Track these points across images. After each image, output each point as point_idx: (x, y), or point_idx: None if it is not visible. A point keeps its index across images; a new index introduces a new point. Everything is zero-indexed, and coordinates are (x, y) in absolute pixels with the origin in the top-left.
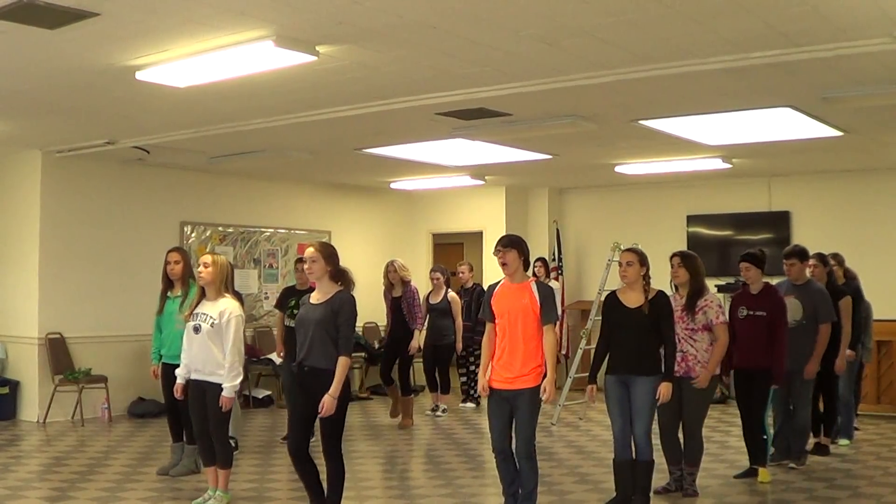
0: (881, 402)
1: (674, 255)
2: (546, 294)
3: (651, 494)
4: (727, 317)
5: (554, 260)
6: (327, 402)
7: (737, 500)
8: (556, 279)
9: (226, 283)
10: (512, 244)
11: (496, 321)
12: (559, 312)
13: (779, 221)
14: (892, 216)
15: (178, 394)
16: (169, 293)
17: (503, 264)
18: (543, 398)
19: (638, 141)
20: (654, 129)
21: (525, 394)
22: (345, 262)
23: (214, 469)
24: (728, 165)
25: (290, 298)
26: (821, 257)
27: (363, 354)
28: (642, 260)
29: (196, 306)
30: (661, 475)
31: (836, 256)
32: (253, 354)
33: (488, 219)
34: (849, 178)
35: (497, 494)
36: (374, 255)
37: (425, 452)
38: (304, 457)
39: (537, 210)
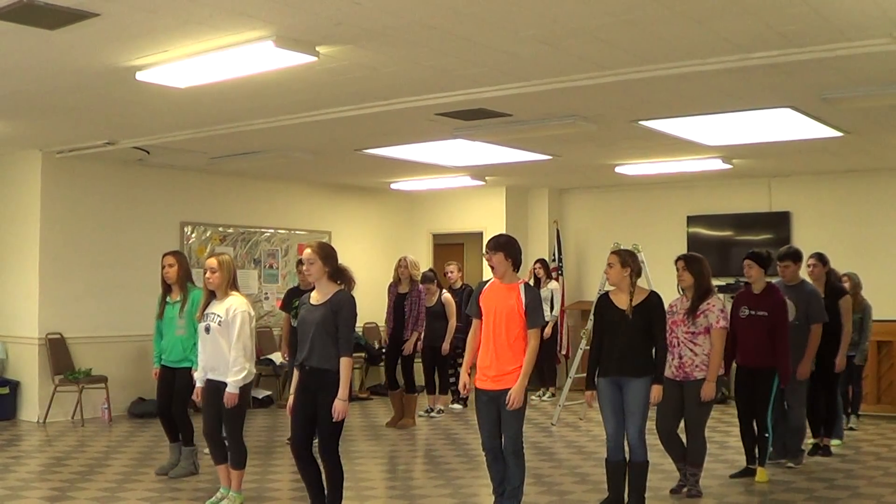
0: (881, 402)
1: (678, 258)
2: (533, 298)
3: (647, 495)
4: (728, 321)
5: (554, 260)
6: (338, 407)
7: (737, 500)
8: (557, 279)
9: (232, 281)
10: (498, 247)
11: (482, 319)
12: (553, 314)
13: (779, 222)
14: (892, 216)
15: (197, 398)
16: (168, 298)
17: (491, 267)
18: (508, 406)
19: (638, 141)
20: (654, 130)
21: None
22: (345, 262)
23: (226, 467)
24: (728, 166)
25: (294, 299)
26: (819, 257)
27: (363, 355)
28: (624, 261)
29: (206, 307)
30: (660, 475)
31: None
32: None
33: (488, 219)
34: (849, 179)
35: None
36: (374, 256)
37: (425, 452)
38: (308, 456)
39: (537, 210)
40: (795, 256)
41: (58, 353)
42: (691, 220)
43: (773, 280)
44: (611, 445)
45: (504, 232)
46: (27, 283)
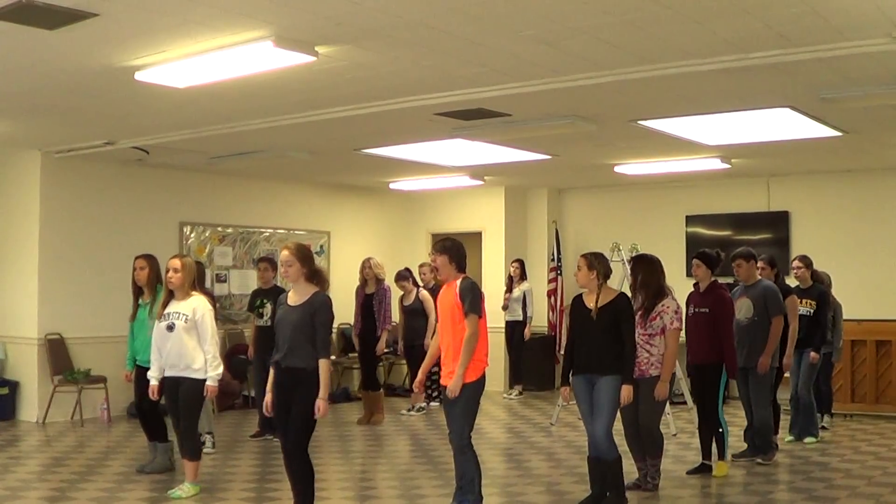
0: (881, 402)
1: (630, 260)
2: (465, 287)
3: (626, 493)
4: (682, 322)
5: (553, 260)
6: (321, 406)
7: (736, 500)
8: (554, 280)
9: (193, 283)
10: (444, 250)
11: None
12: (528, 315)
13: (778, 222)
14: (892, 216)
15: (154, 395)
16: (140, 300)
17: (435, 269)
18: (449, 395)
19: (637, 141)
20: (653, 130)
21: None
22: (344, 262)
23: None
24: (727, 166)
25: (257, 299)
26: (769, 260)
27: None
28: (590, 264)
29: (166, 306)
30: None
31: (803, 259)
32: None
33: (488, 219)
34: (848, 178)
35: (497, 494)
36: (373, 256)
37: (425, 452)
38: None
39: (536, 210)
40: (747, 256)
41: (57, 353)
42: (690, 220)
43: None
44: (592, 443)
45: (504, 232)
46: (27, 283)
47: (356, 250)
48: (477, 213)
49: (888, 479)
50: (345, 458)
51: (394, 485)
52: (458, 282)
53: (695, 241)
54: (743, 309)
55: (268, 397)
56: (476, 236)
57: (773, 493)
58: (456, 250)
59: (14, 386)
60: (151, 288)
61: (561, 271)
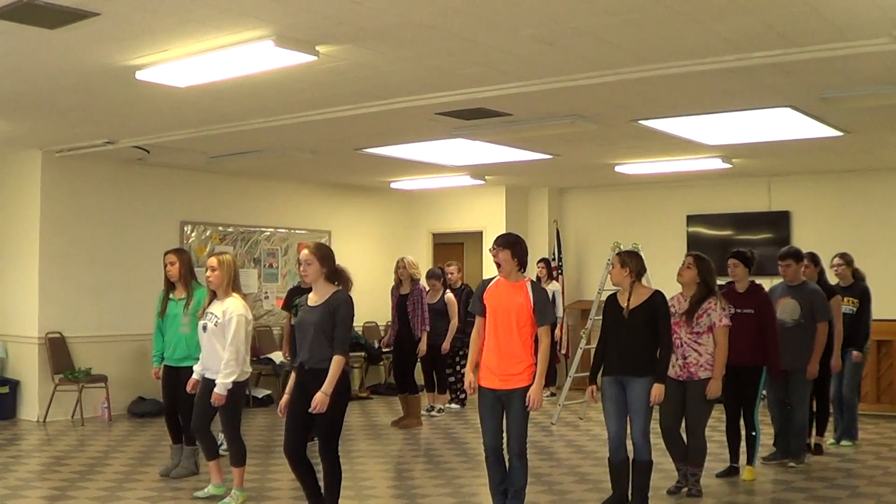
0: (881, 402)
1: (688, 254)
2: (541, 295)
3: (649, 494)
4: (730, 319)
5: (554, 260)
6: (318, 399)
7: (737, 499)
8: (556, 279)
9: (234, 282)
10: (507, 245)
11: (486, 317)
12: (559, 314)
13: (779, 221)
14: (892, 216)
15: (189, 388)
16: (172, 295)
17: (497, 264)
18: (528, 407)
19: (638, 141)
20: (654, 129)
21: (518, 393)
22: (344, 262)
23: (216, 464)
24: (728, 165)
25: (295, 298)
26: (812, 257)
27: (363, 354)
28: (623, 262)
29: (208, 305)
30: (660, 474)
31: (844, 256)
32: (253, 354)
33: (488, 219)
34: (849, 178)
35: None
36: (374, 255)
37: (425, 452)
38: (300, 458)
39: (537, 210)
40: (797, 256)
41: (58, 352)
42: (691, 220)
43: (774, 281)
44: (613, 445)
45: (506, 231)
46: (27, 283)
47: (357, 250)
48: (478, 213)
49: (889, 479)
50: (345, 458)
51: (394, 484)
52: (529, 285)
53: (696, 241)
54: (788, 310)
55: (284, 398)
56: (477, 236)
57: (774, 493)
58: (520, 246)
59: (15, 385)
60: (186, 283)
61: (562, 271)
